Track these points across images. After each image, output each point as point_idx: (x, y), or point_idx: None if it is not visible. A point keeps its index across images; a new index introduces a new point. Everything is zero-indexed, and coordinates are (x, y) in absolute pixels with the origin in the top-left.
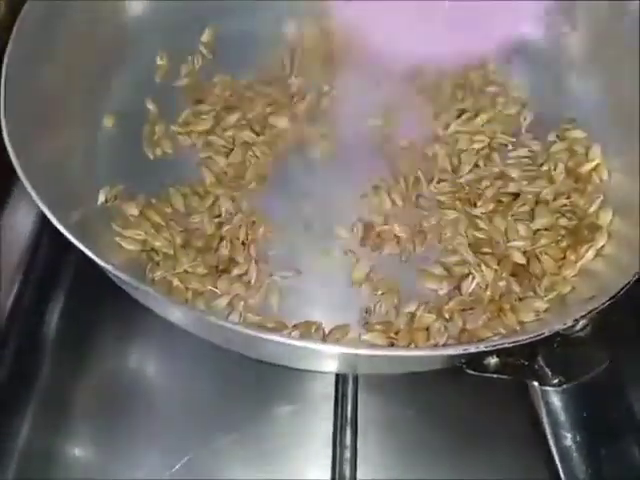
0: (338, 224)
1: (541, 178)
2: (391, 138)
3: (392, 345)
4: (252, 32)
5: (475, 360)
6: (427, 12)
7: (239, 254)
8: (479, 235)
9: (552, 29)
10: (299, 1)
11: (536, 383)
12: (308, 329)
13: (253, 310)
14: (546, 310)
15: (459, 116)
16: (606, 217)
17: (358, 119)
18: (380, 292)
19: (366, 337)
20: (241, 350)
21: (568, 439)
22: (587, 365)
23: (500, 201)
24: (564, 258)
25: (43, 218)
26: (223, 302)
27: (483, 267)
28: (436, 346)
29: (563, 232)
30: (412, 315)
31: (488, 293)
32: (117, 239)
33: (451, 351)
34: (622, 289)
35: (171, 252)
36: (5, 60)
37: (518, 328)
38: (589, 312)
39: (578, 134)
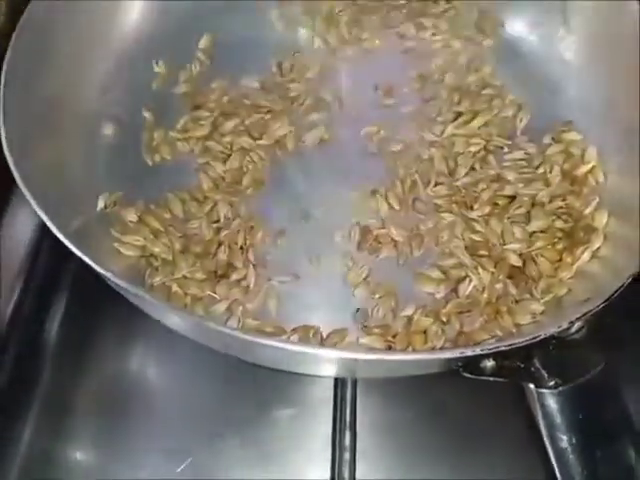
0: (335, 228)
1: (537, 181)
2: (388, 142)
3: (390, 348)
4: (250, 38)
5: (472, 363)
6: None
7: (237, 259)
8: (476, 238)
9: (548, 31)
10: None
11: (532, 385)
12: (306, 333)
13: (251, 315)
14: (542, 312)
15: (455, 119)
16: (602, 219)
17: (355, 124)
18: (377, 296)
19: (364, 341)
20: (239, 355)
21: (564, 441)
22: (583, 367)
23: (496, 204)
24: (560, 260)
25: (43, 225)
26: (222, 307)
27: (480, 270)
28: (433, 349)
29: (559, 234)
30: (409, 318)
31: (485, 296)
32: (116, 245)
33: (447, 354)
34: (617, 291)
35: (170, 258)
36: (4, 68)
37: (514, 330)
38: (584, 314)
39: (574, 136)
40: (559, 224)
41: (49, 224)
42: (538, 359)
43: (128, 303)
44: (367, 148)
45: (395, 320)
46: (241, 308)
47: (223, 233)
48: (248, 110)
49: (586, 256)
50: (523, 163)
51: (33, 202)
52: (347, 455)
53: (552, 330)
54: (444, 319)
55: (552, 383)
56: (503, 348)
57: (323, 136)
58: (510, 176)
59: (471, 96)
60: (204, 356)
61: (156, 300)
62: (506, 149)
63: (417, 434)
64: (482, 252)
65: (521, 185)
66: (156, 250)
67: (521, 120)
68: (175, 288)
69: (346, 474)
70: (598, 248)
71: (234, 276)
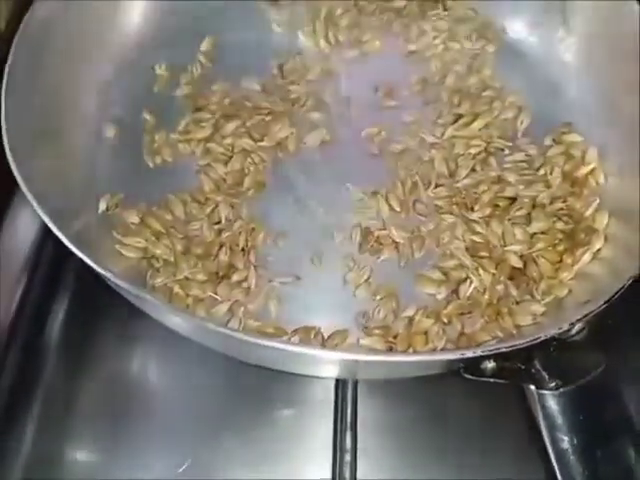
0: (336, 230)
1: (538, 182)
2: (389, 144)
3: (391, 349)
4: (251, 40)
5: (472, 364)
6: None
7: (239, 260)
8: (476, 239)
9: (548, 33)
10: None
11: (533, 387)
12: (307, 334)
13: (253, 316)
14: (543, 314)
15: (456, 121)
16: (602, 220)
17: (356, 125)
18: (378, 297)
19: (365, 342)
20: (240, 356)
21: (565, 442)
22: (583, 368)
23: (497, 205)
24: (561, 261)
25: (44, 227)
26: (223, 308)
27: (481, 271)
28: (434, 350)
29: (560, 236)
30: (410, 319)
31: (486, 297)
32: (117, 247)
33: (448, 356)
34: (617, 293)
35: (171, 259)
36: (6, 71)
37: (515, 332)
38: (584, 316)
39: (574, 138)
40: (560, 225)
41: (51, 226)
42: (539, 360)
43: (129, 304)
44: (368, 150)
45: (396, 321)
46: (242, 309)
47: (224, 234)
48: (249, 112)
49: (587, 257)
50: (524, 165)
51: (35, 204)
52: (348, 456)
53: (553, 331)
54: (445, 320)
55: (553, 384)
56: (504, 349)
57: (324, 138)
58: (511, 178)
59: (471, 98)
60: (205, 357)
61: (158, 301)
62: (507, 151)
63: (418, 435)
64: (483, 253)
65: (522, 187)
66: (157, 252)
67: (522, 122)
68: (176, 289)
69: (347, 475)
70: (599, 249)
71: (235, 277)
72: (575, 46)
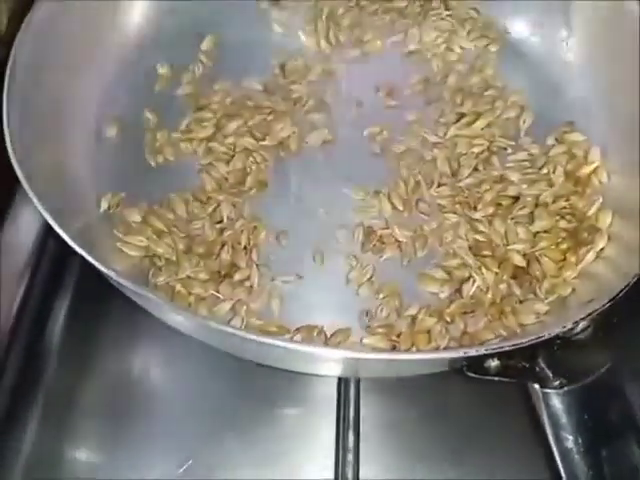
0: (339, 229)
1: (540, 181)
2: (391, 143)
3: (394, 348)
4: (252, 40)
5: (476, 363)
6: None
7: (241, 259)
8: (479, 238)
9: (550, 32)
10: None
11: (537, 385)
12: (310, 333)
13: (255, 314)
14: (547, 312)
15: (458, 120)
16: (606, 219)
17: (358, 125)
18: (381, 296)
19: (368, 340)
20: (243, 355)
21: (569, 441)
22: (588, 367)
23: (500, 204)
24: (564, 260)
25: (46, 225)
26: (226, 307)
27: (484, 270)
28: (437, 349)
29: (563, 234)
30: (413, 318)
31: (489, 296)
32: (119, 245)
33: (451, 354)
34: (622, 291)
35: (173, 258)
36: (7, 70)
37: (519, 330)
38: (589, 314)
39: (577, 137)
40: (563, 224)
41: (53, 224)
42: (543, 359)
43: (132, 303)
44: (370, 149)
45: (399, 320)
46: (245, 308)
47: (226, 233)
48: (251, 111)
49: (590, 256)
50: (526, 164)
51: (37, 202)
52: (350, 456)
53: (557, 330)
54: (448, 319)
55: (557, 383)
56: (507, 348)
57: (326, 137)
58: (513, 177)
59: (474, 97)
60: (208, 356)
61: (160, 300)
62: (509, 150)
63: (421, 434)
64: (486, 252)
65: (525, 186)
66: (160, 250)
67: (524, 121)
68: (179, 288)
69: (350, 475)
70: (602, 248)
71: (237, 276)
72: (577, 46)
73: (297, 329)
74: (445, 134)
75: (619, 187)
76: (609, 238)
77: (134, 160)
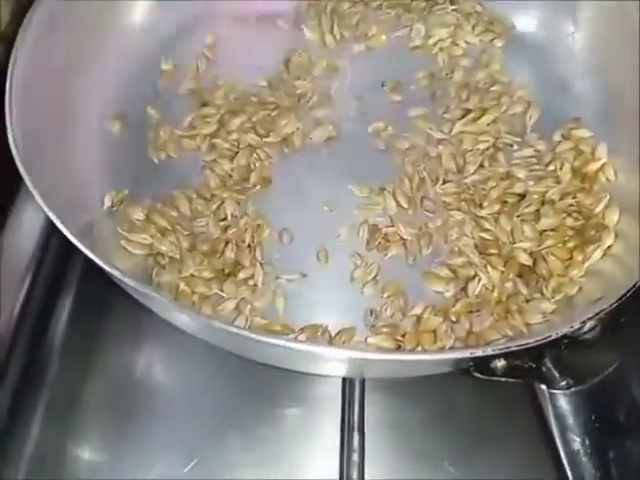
0: (343, 227)
1: (547, 178)
2: (396, 139)
3: (399, 348)
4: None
5: (482, 363)
6: None
7: (245, 257)
8: (485, 236)
9: (557, 27)
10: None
11: (544, 386)
12: (314, 332)
13: (259, 313)
14: (553, 311)
15: (464, 116)
16: (613, 217)
17: (363, 121)
18: (386, 294)
19: (372, 340)
20: (246, 354)
21: (577, 442)
22: (595, 367)
23: (506, 202)
24: (571, 259)
25: (50, 223)
26: (230, 306)
27: (489, 268)
28: (443, 349)
29: (570, 232)
30: (418, 317)
31: (495, 295)
32: (123, 243)
33: (457, 355)
34: (629, 290)
35: (177, 256)
36: (9, 69)
37: (525, 330)
38: (596, 314)
39: (584, 133)
40: (569, 222)
41: (57, 222)
42: (550, 359)
43: (135, 301)
44: (375, 145)
45: (404, 319)
46: (249, 307)
47: (230, 231)
48: (255, 107)
49: (597, 254)
50: (533, 160)
51: (40, 200)
52: (356, 456)
53: (564, 330)
54: (453, 318)
55: (564, 383)
56: (514, 348)
57: (330, 133)
58: (520, 173)
59: (479, 93)
60: (211, 355)
61: (164, 299)
62: (515, 146)
63: (426, 434)
64: (492, 250)
65: (531, 183)
66: (163, 248)
67: (530, 117)
68: (182, 286)
69: (355, 475)
70: (609, 246)
71: (242, 274)
72: (584, 40)
73: (301, 328)
74: (450, 130)
75: (626, 184)
76: (616, 236)
77: (137, 157)
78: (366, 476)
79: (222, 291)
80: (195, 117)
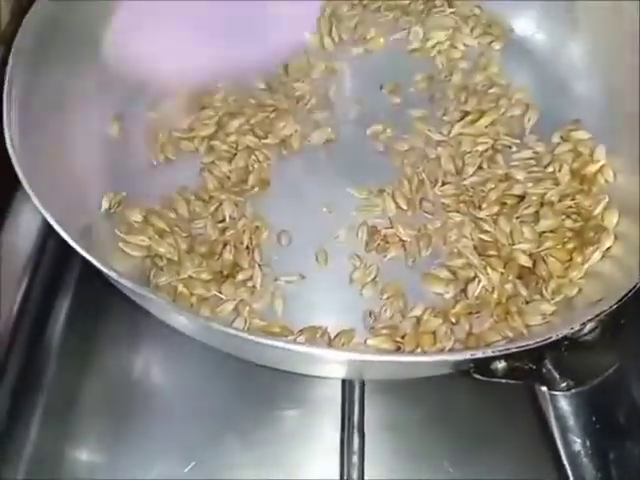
0: (342, 228)
1: (546, 180)
2: (394, 141)
3: (398, 349)
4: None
5: (483, 365)
6: None
7: (243, 259)
8: (484, 238)
9: (555, 29)
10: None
11: (544, 387)
12: (313, 334)
13: (258, 315)
14: (553, 313)
15: (462, 118)
16: (612, 218)
17: (361, 123)
18: (385, 296)
19: (372, 342)
20: (245, 356)
21: (577, 443)
22: (596, 368)
23: (505, 203)
24: (570, 260)
25: (47, 224)
26: (228, 307)
27: (489, 270)
28: (443, 350)
29: (569, 234)
30: (418, 319)
31: (494, 296)
32: (121, 245)
33: (458, 356)
34: (630, 292)
35: (175, 258)
36: (7, 70)
37: (525, 331)
38: (597, 315)
39: (582, 135)
40: (569, 224)
41: (54, 224)
42: (550, 360)
43: (133, 302)
44: (373, 147)
45: (403, 321)
46: (248, 308)
47: (229, 233)
48: (253, 109)
49: (596, 256)
50: (532, 162)
51: (37, 202)
52: (355, 458)
53: (564, 331)
54: (453, 320)
55: (564, 385)
56: (514, 349)
57: (329, 136)
58: (519, 175)
59: (478, 95)
60: (209, 357)
61: (162, 301)
62: (514, 148)
63: (426, 435)
64: (491, 252)
65: (530, 184)
66: (161, 250)
67: (529, 119)
68: (181, 288)
69: (355, 477)
70: (608, 248)
71: (240, 276)
72: (582, 43)
73: (300, 330)
74: (449, 132)
75: (626, 186)
76: (615, 237)
77: (135, 159)
78: (365, 477)
79: (221, 293)
80: (194, 119)
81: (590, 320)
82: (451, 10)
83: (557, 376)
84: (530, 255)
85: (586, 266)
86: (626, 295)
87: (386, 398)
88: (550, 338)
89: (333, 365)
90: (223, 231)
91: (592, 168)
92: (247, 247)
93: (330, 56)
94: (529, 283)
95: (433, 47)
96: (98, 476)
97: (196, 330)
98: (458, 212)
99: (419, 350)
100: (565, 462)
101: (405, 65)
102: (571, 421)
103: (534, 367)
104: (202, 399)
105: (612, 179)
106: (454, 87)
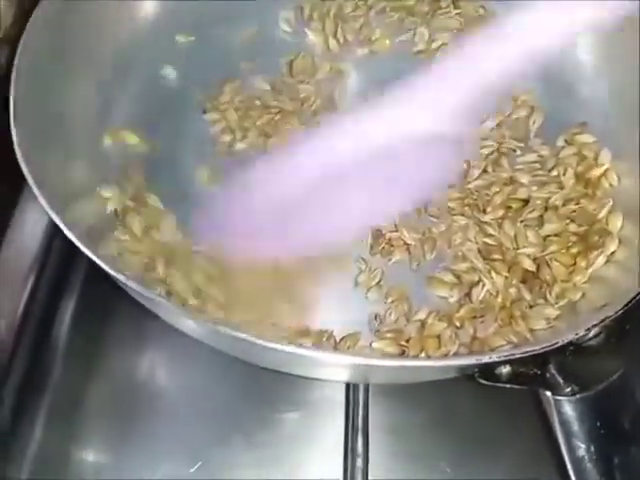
0: (347, 231)
1: (550, 183)
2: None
3: (403, 353)
4: (260, 39)
5: (487, 370)
6: None
7: None
8: (489, 241)
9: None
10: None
11: (549, 393)
12: (319, 337)
13: None
14: (557, 317)
15: None
16: (616, 222)
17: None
18: (390, 299)
19: (377, 345)
20: (251, 359)
21: (582, 449)
22: (600, 374)
23: (509, 207)
24: (574, 264)
25: (53, 226)
26: None
27: (493, 274)
28: (447, 354)
29: (573, 238)
30: (423, 323)
31: (499, 300)
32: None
33: (464, 361)
34: (635, 297)
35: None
36: (14, 70)
37: (529, 336)
38: (602, 321)
39: (587, 138)
40: (573, 228)
41: (61, 225)
42: (554, 365)
43: (138, 304)
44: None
45: (408, 324)
46: None
47: None
48: (259, 111)
49: (601, 260)
50: (536, 166)
51: (44, 202)
52: (360, 461)
53: (570, 337)
54: (457, 323)
55: (569, 390)
56: (519, 355)
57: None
58: (523, 179)
59: None
60: (215, 358)
61: (171, 304)
62: (519, 152)
63: (430, 438)
64: (495, 256)
65: (534, 188)
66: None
67: (534, 122)
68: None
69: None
70: (613, 252)
71: None
72: (588, 45)
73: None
74: None
75: (630, 190)
76: (620, 242)
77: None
78: (369, 478)
79: None
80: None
81: (595, 325)
82: (456, 11)
83: (561, 381)
84: (534, 259)
85: (590, 270)
86: (632, 300)
87: (389, 401)
88: (557, 343)
89: (338, 369)
90: None
91: (596, 172)
92: None
93: (335, 57)
94: (533, 287)
95: (438, 49)
96: (104, 476)
97: (204, 333)
98: (463, 215)
99: (424, 354)
100: (569, 467)
101: (410, 67)
102: (575, 426)
103: (539, 372)
104: (207, 400)
105: (616, 183)
106: None
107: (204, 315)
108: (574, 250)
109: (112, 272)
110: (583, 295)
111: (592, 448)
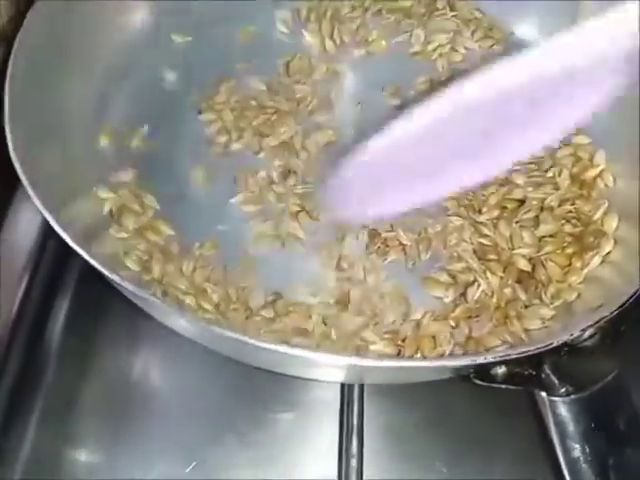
0: (343, 231)
1: (546, 184)
2: None
3: (399, 353)
4: (256, 39)
5: (483, 370)
6: None
7: None
8: (484, 242)
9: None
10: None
11: (544, 393)
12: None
13: None
14: (552, 317)
15: None
16: (612, 223)
17: (362, 126)
18: (386, 299)
19: (374, 347)
20: (246, 360)
21: (576, 450)
22: (595, 374)
23: (505, 207)
24: (570, 265)
25: (46, 226)
26: None
27: (488, 274)
28: (443, 354)
29: (568, 239)
30: (418, 323)
31: (494, 300)
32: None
33: (459, 362)
34: (631, 298)
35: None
36: (9, 69)
37: (524, 336)
38: (597, 322)
39: (582, 140)
40: (568, 228)
41: (55, 225)
42: (549, 366)
43: (132, 304)
44: None
45: (404, 324)
46: None
47: None
48: (255, 111)
49: (596, 261)
50: (532, 167)
51: (38, 202)
52: (354, 461)
53: (565, 337)
54: (453, 323)
55: (563, 390)
56: (515, 355)
57: (330, 138)
58: (519, 180)
59: None
60: (209, 358)
61: (166, 305)
62: None
63: (424, 439)
64: (491, 256)
65: (530, 189)
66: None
67: None
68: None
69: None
70: (608, 253)
71: None
72: None
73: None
74: None
75: (625, 190)
76: (615, 242)
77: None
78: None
79: None
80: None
81: (590, 326)
82: (452, 13)
83: (556, 382)
84: (529, 259)
85: (585, 271)
86: (626, 302)
87: (383, 401)
88: (551, 344)
89: (333, 369)
90: None
91: (592, 173)
92: None
93: (331, 58)
94: (528, 287)
95: (434, 50)
96: (98, 476)
97: (198, 334)
98: (458, 216)
99: (419, 354)
100: (564, 468)
101: (406, 68)
102: (570, 427)
103: (534, 373)
104: (201, 400)
105: (612, 184)
106: None
107: (198, 315)
108: (569, 251)
109: (106, 272)
110: (578, 296)
111: (587, 449)
